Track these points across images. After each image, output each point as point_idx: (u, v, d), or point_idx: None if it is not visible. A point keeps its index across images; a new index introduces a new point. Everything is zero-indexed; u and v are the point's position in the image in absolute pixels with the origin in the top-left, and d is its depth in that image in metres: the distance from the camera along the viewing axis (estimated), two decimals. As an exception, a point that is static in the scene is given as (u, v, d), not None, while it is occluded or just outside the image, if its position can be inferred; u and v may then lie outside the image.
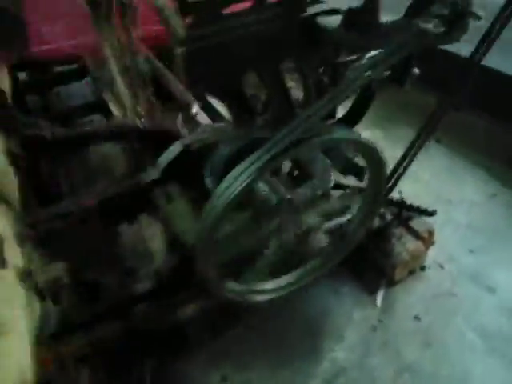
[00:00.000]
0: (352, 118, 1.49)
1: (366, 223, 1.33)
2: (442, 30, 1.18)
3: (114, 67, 1.41)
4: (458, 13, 1.11)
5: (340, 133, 1.07)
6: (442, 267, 2.01)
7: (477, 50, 1.09)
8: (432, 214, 1.93)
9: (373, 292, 1.93)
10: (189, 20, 1.10)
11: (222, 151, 1.24)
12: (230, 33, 1.14)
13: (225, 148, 1.24)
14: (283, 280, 1.28)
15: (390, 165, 2.57)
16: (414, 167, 2.58)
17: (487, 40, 1.06)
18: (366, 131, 2.92)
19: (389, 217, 2.02)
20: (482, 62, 2.65)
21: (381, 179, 1.28)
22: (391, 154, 2.66)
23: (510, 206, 2.28)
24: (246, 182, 0.90)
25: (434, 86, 3.19)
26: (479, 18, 1.15)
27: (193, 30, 1.10)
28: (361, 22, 1.08)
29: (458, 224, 2.21)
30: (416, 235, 1.93)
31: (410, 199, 2.36)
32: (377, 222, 2.04)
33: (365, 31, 1.07)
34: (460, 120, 2.93)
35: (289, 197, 1.11)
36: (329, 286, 1.97)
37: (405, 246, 1.90)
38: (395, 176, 1.46)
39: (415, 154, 1.39)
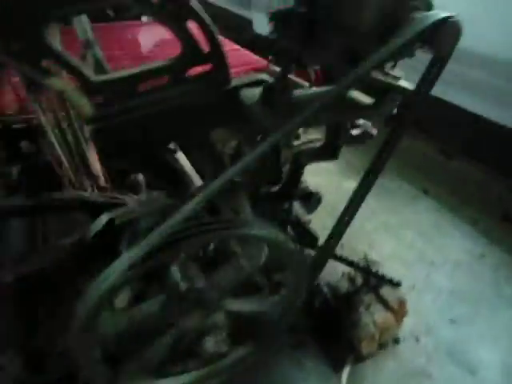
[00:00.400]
0: (286, 191, 1.40)
1: (293, 306, 1.20)
2: (371, 102, 1.10)
3: (52, 138, 1.38)
4: (385, 87, 1.03)
5: (252, 230, 0.96)
6: (417, 340, 1.82)
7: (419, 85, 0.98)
8: (397, 284, 1.77)
9: (339, 368, 1.76)
10: (99, 98, 1.06)
11: (140, 225, 1.16)
12: (147, 108, 1.09)
13: (143, 222, 1.16)
14: (194, 374, 1.12)
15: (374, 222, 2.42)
16: (397, 223, 2.45)
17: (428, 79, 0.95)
18: (348, 181, 2.82)
19: (359, 281, 1.87)
20: (482, 114, 2.55)
21: (300, 270, 1.15)
22: (375, 206, 2.54)
23: (499, 268, 2.09)
24: (118, 279, 0.81)
25: (433, 132, 3.08)
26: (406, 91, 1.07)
27: (104, 107, 1.05)
28: (273, 96, 1.01)
29: (440, 289, 2.03)
30: (386, 305, 1.76)
31: (389, 260, 2.22)
32: (345, 287, 1.90)
33: (277, 106, 1.00)
34: (453, 169, 2.79)
35: (200, 286, 1.01)
36: (292, 357, 1.82)
37: (373, 316, 1.74)
38: (339, 229, 1.32)
39: (361, 200, 1.21)
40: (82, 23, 1.15)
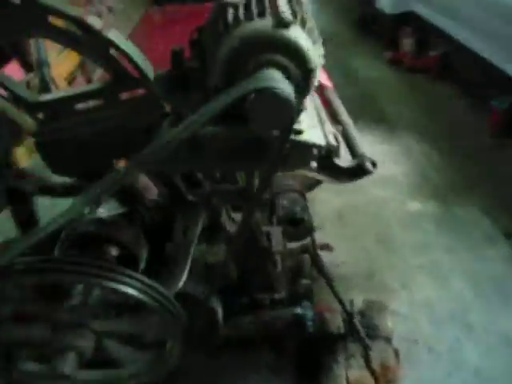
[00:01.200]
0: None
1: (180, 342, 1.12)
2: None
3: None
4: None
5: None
6: (404, 414, 1.53)
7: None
8: (366, 347, 1.48)
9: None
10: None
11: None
12: (83, 128, 1.15)
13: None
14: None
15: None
16: (450, 265, 2.01)
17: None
18: (413, 202, 2.40)
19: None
20: None
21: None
22: (432, 239, 2.12)
23: (562, 365, 1.55)
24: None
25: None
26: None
27: (45, 123, 1.15)
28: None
29: (464, 363, 1.62)
30: (367, 363, 1.51)
31: (417, 309, 1.87)
32: (336, 326, 1.69)
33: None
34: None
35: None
36: (268, 380, 1.73)
37: (347, 370, 1.52)
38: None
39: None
40: (38, 42, 1.23)
